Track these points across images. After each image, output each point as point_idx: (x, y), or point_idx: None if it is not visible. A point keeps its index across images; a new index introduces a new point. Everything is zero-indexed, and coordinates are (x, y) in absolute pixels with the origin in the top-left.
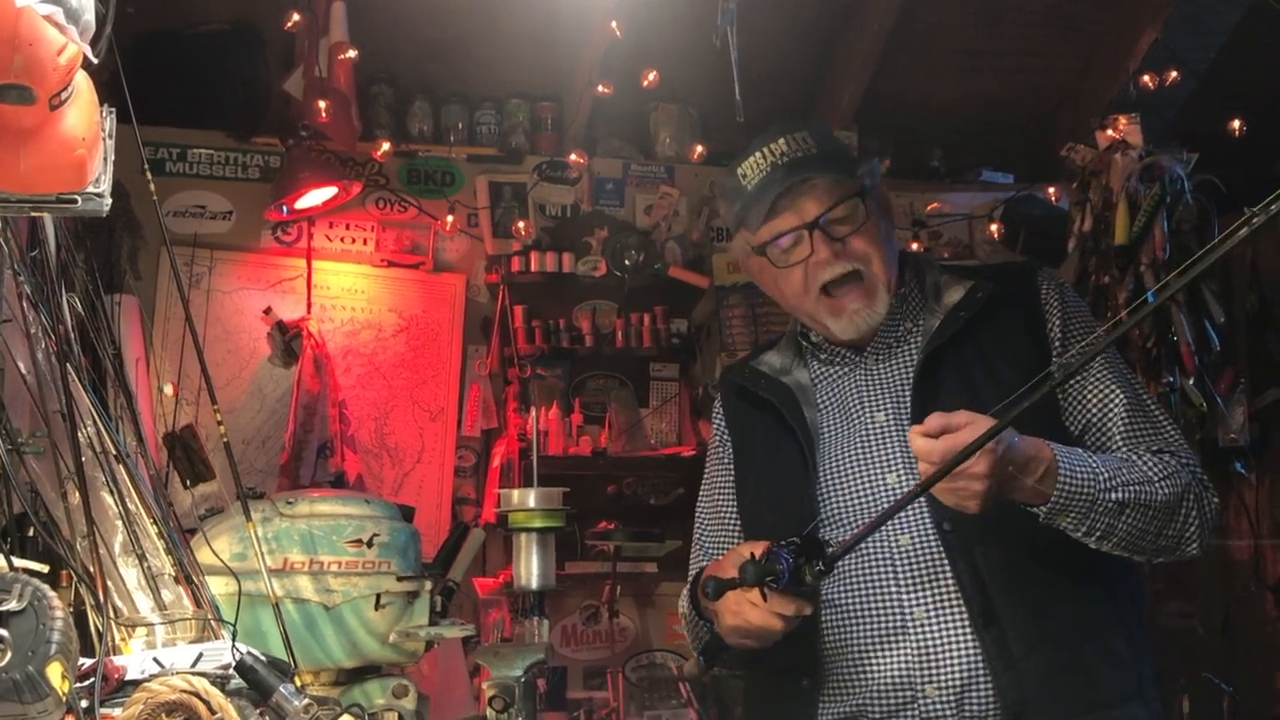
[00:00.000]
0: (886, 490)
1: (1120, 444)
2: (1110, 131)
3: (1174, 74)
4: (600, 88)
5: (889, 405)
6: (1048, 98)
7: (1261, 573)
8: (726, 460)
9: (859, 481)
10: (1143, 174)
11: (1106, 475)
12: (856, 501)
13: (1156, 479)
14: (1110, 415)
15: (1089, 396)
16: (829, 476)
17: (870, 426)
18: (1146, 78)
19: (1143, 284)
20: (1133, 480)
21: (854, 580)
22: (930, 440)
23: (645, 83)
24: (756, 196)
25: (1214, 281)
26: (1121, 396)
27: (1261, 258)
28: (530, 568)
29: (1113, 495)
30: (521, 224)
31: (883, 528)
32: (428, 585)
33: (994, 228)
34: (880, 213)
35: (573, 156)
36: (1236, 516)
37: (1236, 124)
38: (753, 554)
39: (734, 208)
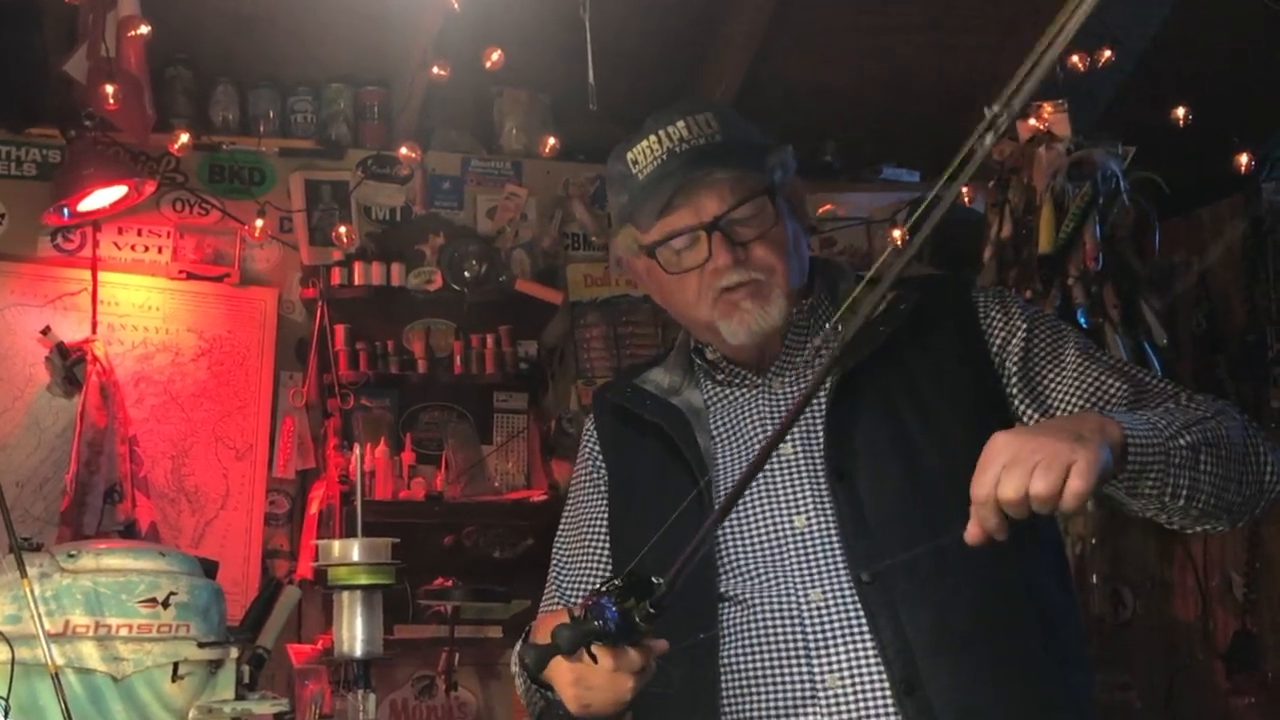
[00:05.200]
0: (794, 534)
1: None
2: (1033, 121)
3: (1108, 54)
4: (435, 69)
5: (797, 435)
6: (959, 82)
7: (1210, 637)
8: (600, 487)
9: (761, 523)
10: (1071, 171)
11: (1164, 423)
12: (758, 546)
13: (1209, 415)
14: (1108, 400)
15: (1071, 390)
16: (727, 517)
17: (775, 459)
18: (1076, 58)
19: (1071, 299)
20: (1191, 422)
21: (756, 641)
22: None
23: (488, 64)
24: (648, 189)
25: (1156, 297)
26: (1115, 381)
27: (1210, 271)
28: (354, 632)
29: (1181, 440)
30: (343, 229)
31: (791, 580)
32: (234, 652)
33: (897, 234)
34: (790, 212)
35: (403, 150)
36: (1182, 571)
37: (1181, 113)
38: (571, 613)
39: (620, 199)
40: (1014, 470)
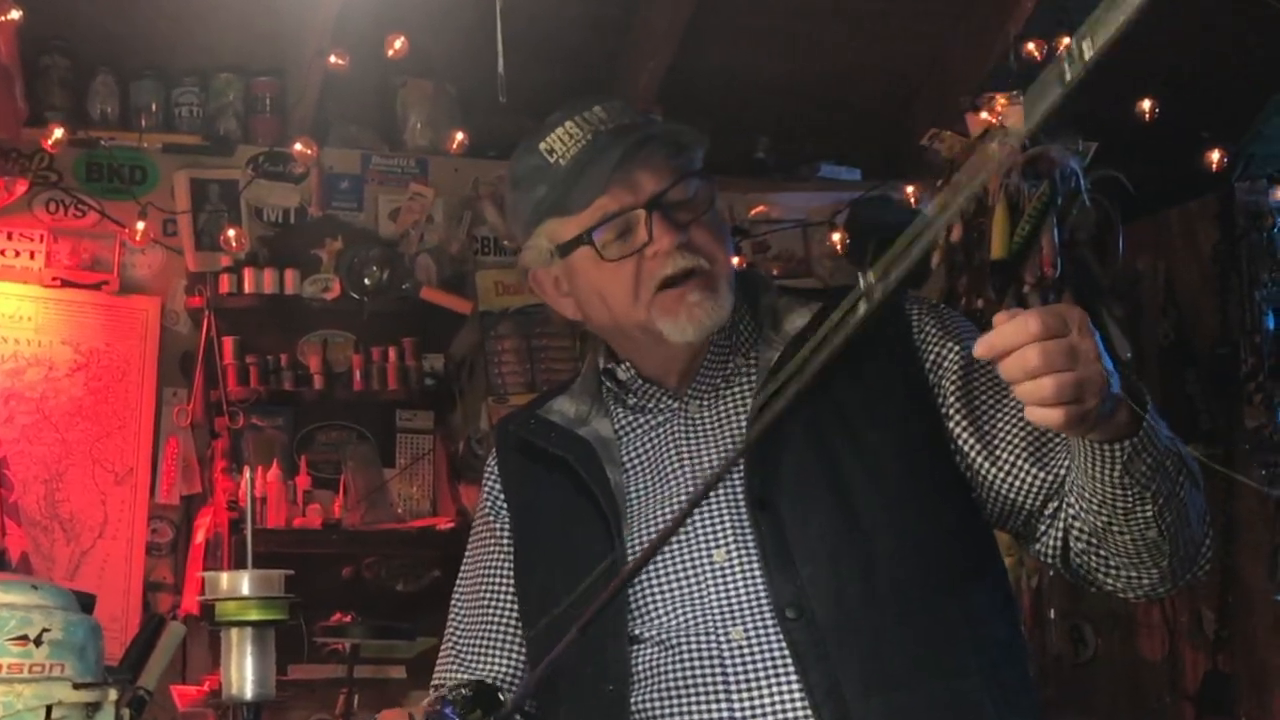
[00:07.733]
0: (713, 570)
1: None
2: (985, 114)
3: (1066, 40)
4: (333, 59)
5: (716, 462)
6: (904, 71)
7: (1179, 678)
8: (501, 535)
9: (678, 558)
10: (1027, 169)
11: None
12: (675, 583)
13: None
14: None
15: (1013, 421)
16: (640, 553)
17: (691, 491)
18: (1031, 45)
19: (1026, 308)
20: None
21: (673, 685)
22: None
23: (391, 52)
24: (577, 170)
25: (1119, 306)
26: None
27: (1178, 278)
28: (243, 672)
29: (1164, 441)
30: (232, 233)
31: (711, 617)
32: (112, 694)
33: (836, 237)
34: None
35: (298, 146)
36: (1147, 606)
37: (1147, 105)
38: (411, 715)
39: (534, 194)
40: (1048, 354)
